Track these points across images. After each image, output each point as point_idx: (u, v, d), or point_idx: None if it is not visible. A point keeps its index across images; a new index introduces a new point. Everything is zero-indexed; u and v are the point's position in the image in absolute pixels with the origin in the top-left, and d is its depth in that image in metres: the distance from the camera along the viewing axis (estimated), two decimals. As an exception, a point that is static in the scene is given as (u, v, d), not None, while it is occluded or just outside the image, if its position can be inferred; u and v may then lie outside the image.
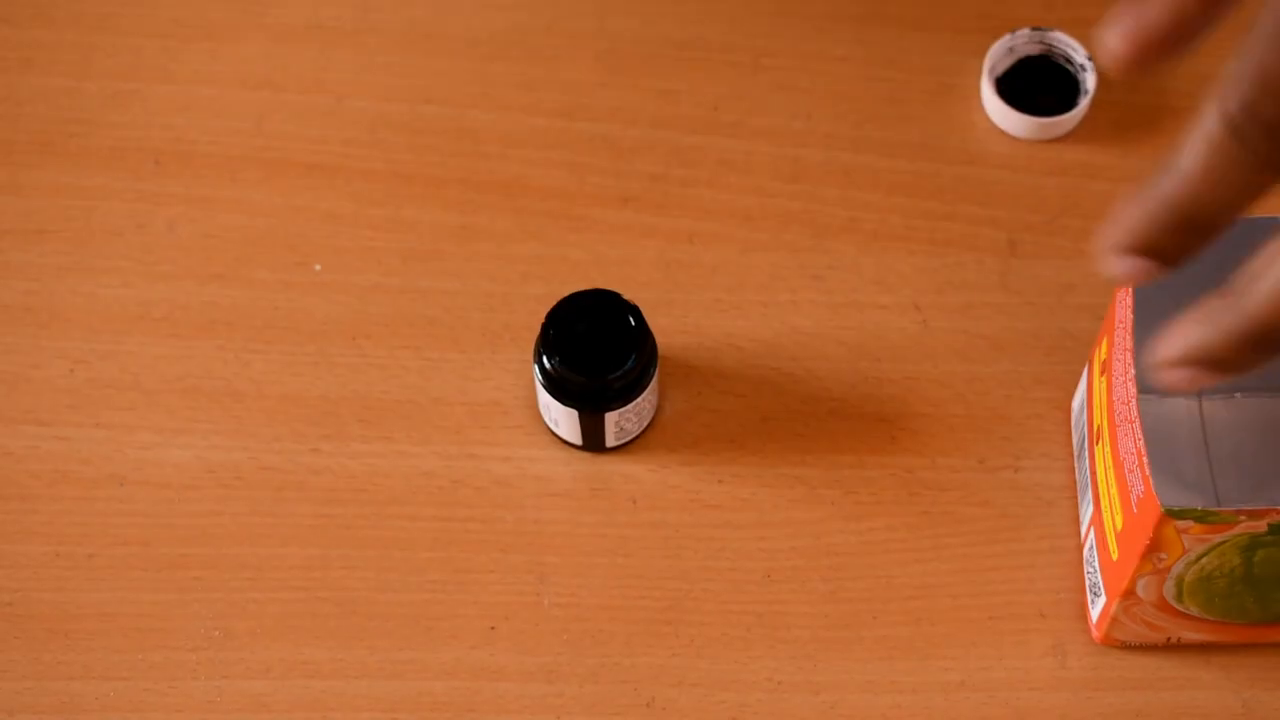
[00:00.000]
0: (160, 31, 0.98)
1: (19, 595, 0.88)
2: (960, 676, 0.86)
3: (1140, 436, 0.74)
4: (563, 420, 0.88)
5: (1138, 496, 0.75)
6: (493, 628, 0.87)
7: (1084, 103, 0.96)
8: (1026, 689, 0.86)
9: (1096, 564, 0.83)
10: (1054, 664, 0.86)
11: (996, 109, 0.96)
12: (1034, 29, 0.96)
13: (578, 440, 0.89)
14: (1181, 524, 0.74)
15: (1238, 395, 0.75)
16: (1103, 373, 0.81)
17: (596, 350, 0.86)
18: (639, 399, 0.87)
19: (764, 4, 0.99)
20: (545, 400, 0.87)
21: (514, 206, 0.95)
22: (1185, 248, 0.62)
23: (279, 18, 0.98)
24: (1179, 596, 0.80)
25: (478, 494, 0.89)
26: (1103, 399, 0.81)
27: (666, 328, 0.92)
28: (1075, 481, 0.89)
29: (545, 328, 0.86)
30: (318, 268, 0.93)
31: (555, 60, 0.98)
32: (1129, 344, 0.76)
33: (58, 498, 0.89)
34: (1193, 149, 0.60)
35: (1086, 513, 0.85)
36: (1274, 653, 0.86)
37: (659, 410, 0.91)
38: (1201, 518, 0.74)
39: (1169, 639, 0.85)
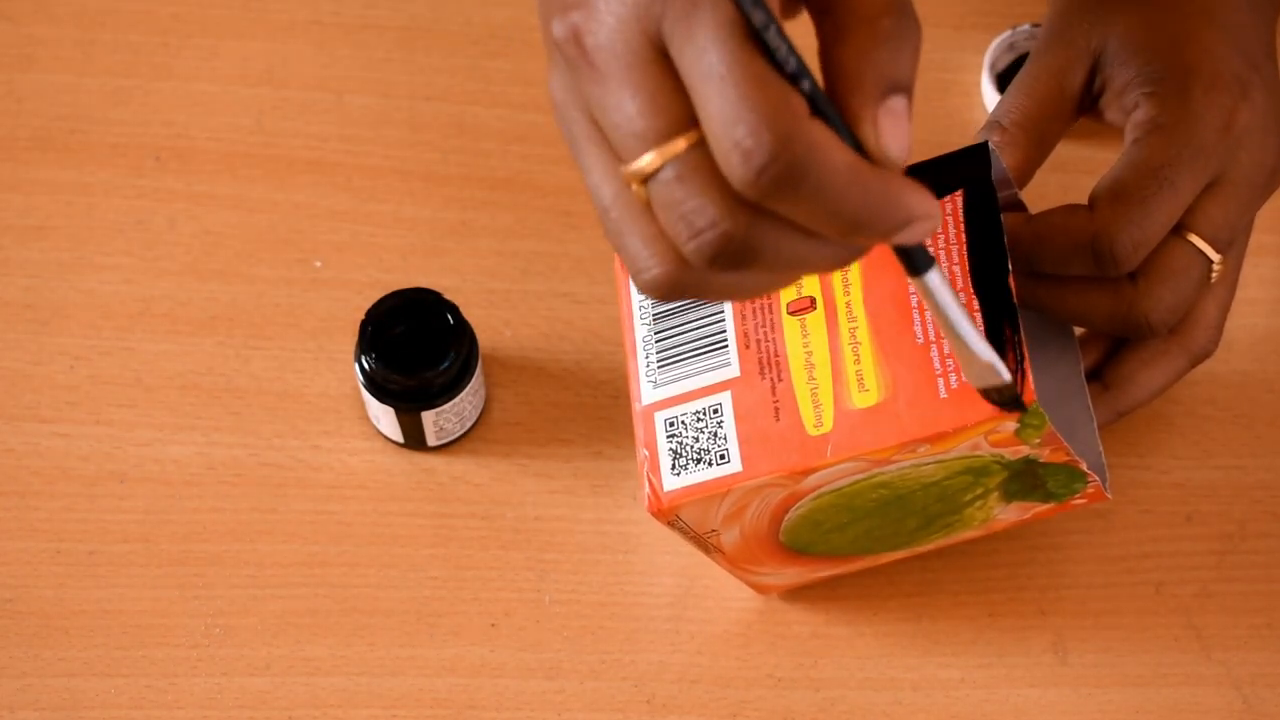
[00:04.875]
0: (161, 28, 0.98)
1: (20, 592, 0.88)
2: (960, 673, 0.86)
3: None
4: (383, 418, 0.88)
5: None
6: (493, 624, 0.87)
7: (1084, 99, 0.96)
8: (1026, 686, 0.86)
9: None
10: (1054, 660, 0.86)
11: (997, 105, 0.96)
12: (1034, 25, 0.96)
13: (399, 438, 0.89)
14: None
15: None
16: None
17: (415, 349, 0.87)
18: (458, 398, 0.87)
19: None
20: (365, 398, 0.88)
21: (514, 202, 0.95)
22: None
23: (279, 14, 0.98)
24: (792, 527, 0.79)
25: (476, 490, 0.89)
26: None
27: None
28: None
29: (364, 325, 0.86)
30: (318, 264, 0.93)
31: (556, 56, 0.98)
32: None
33: (58, 494, 0.89)
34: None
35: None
36: (1275, 649, 0.86)
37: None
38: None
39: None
